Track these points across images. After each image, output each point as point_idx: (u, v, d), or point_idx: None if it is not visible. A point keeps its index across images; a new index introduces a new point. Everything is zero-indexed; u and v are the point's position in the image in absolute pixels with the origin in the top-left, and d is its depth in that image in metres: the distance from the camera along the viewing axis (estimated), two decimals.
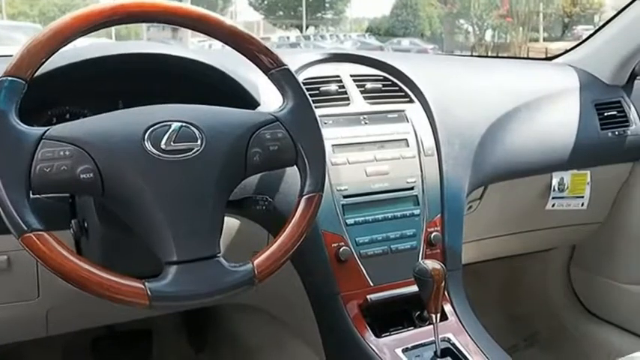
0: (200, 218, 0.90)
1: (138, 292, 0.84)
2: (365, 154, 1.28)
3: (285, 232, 0.98)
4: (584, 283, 2.01)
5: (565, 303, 2.05)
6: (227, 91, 1.16)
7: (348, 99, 1.35)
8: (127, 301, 0.84)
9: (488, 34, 23.35)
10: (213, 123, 0.95)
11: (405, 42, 21.79)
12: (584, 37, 1.90)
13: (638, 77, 1.79)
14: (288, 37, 26.13)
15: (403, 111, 1.38)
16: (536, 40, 21.53)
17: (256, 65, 1.02)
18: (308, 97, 1.04)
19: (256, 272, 0.93)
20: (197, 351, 1.84)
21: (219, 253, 0.91)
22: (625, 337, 1.85)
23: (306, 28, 28.11)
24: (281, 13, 29.92)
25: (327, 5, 29.37)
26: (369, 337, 1.17)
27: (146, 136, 0.89)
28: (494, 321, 2.02)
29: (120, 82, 1.11)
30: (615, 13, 1.77)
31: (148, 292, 0.84)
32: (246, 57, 1.02)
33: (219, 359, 1.80)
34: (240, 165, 0.95)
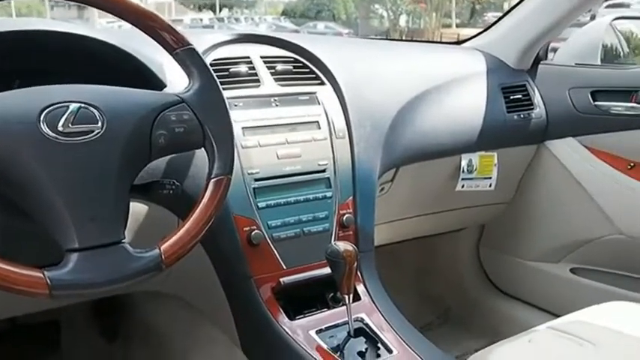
0: (102, 203, 0.87)
1: (37, 282, 0.81)
2: (276, 137, 1.27)
3: (192, 216, 0.96)
4: (493, 261, 2.08)
5: (475, 280, 2.12)
6: (132, 72, 1.12)
7: (258, 81, 1.33)
8: (26, 292, 0.81)
9: (402, 20, 23.69)
10: (115, 104, 0.91)
11: (321, 26, 21.81)
12: None
13: (542, 62, 1.86)
14: (201, 20, 25.61)
15: (314, 93, 1.37)
16: (449, 26, 21.98)
17: (160, 45, 0.99)
18: (215, 77, 1.01)
19: (163, 257, 0.91)
20: (109, 341, 1.79)
21: (123, 239, 0.88)
22: (530, 311, 1.93)
23: (220, 10, 27.67)
24: None
25: None
26: (283, 320, 1.17)
27: (42, 118, 0.84)
28: (409, 300, 2.07)
29: (17, 60, 1.05)
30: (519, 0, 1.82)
31: (48, 281, 0.81)
32: (150, 36, 0.98)
33: (132, 349, 1.76)
34: (144, 148, 0.93)
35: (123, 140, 0.90)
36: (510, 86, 1.76)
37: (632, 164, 1.67)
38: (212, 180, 0.98)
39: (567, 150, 1.75)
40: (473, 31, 1.96)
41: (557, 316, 1.31)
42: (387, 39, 4.01)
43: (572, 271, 1.84)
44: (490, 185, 1.73)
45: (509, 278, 2.03)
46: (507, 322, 1.96)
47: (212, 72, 1.01)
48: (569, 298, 1.69)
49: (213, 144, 0.98)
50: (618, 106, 1.67)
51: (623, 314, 1.35)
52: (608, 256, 1.75)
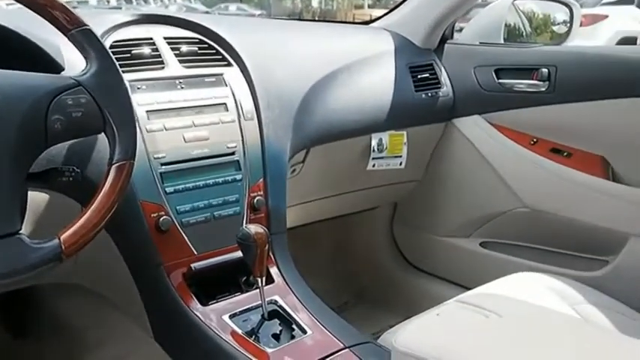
0: None
1: None
2: (182, 120, 1.25)
3: (93, 204, 0.93)
4: (406, 238, 2.12)
5: (389, 258, 2.15)
6: (26, 56, 1.08)
7: (162, 62, 1.30)
8: None
9: (315, 1, 23.69)
10: (6, 88, 0.87)
11: (233, 7, 21.51)
12: None
13: (448, 41, 1.89)
14: (108, 1, 24.78)
15: (221, 75, 1.35)
16: (361, 7, 22.15)
17: (54, 26, 0.95)
18: (113, 59, 0.98)
19: (63, 248, 0.88)
20: (15, 336, 1.72)
21: (20, 230, 0.85)
22: (443, 285, 1.97)
23: None
24: None
25: None
26: (195, 306, 1.16)
27: None
28: (324, 280, 2.08)
29: None
30: None
31: None
32: (42, 16, 0.94)
33: (43, 344, 1.70)
34: (39, 134, 0.89)
35: (15, 126, 0.86)
36: (418, 65, 1.78)
37: (534, 140, 1.72)
38: (114, 166, 0.95)
39: (474, 127, 1.80)
40: (384, 12, 1.98)
41: (469, 289, 1.35)
42: (298, 20, 3.99)
43: (481, 244, 1.89)
44: (400, 164, 1.75)
45: (423, 254, 2.07)
46: (422, 298, 2.00)
47: (110, 53, 0.98)
48: (479, 271, 1.73)
49: (114, 128, 0.95)
50: (521, 84, 1.72)
51: (529, 285, 1.41)
52: (515, 229, 1.81)
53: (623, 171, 1.63)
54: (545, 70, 1.66)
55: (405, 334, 0.90)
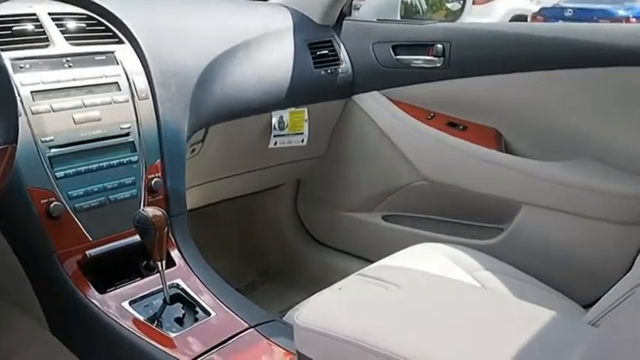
0: None
1: None
2: (71, 100, 1.19)
3: None
4: (311, 214, 2.13)
5: (295, 235, 2.15)
6: None
7: (47, 40, 1.23)
8: None
9: None
10: None
11: None
12: None
13: (346, 17, 1.90)
14: None
15: (112, 52, 1.30)
16: None
17: None
18: None
19: None
20: None
21: None
22: (349, 260, 1.99)
23: None
24: None
25: None
26: (92, 294, 1.12)
27: None
28: (231, 261, 2.07)
29: None
30: None
31: None
32: None
33: None
34: None
35: None
36: (317, 42, 1.78)
37: (431, 114, 1.76)
38: None
39: (373, 103, 1.82)
40: None
41: (374, 262, 1.37)
42: None
43: (384, 218, 1.92)
44: (302, 141, 1.75)
45: (328, 230, 2.09)
46: (328, 273, 2.00)
47: None
48: (382, 244, 1.76)
49: None
50: (417, 60, 1.75)
51: (429, 255, 1.45)
52: (415, 201, 1.85)
53: (515, 142, 1.69)
54: (440, 46, 1.69)
55: (306, 310, 0.91)
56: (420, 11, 2.03)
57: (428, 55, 1.72)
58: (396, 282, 0.95)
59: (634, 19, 8.73)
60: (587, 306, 1.33)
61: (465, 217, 1.78)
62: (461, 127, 1.74)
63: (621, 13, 8.76)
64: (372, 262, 1.39)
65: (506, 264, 1.47)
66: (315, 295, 1.02)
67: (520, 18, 9.33)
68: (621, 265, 1.43)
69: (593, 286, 1.39)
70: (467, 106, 1.72)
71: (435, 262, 1.40)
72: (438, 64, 1.71)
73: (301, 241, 2.15)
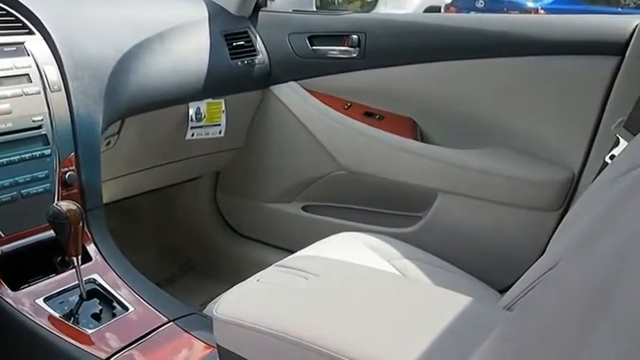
0: None
1: None
2: None
3: None
4: (230, 206, 2.12)
5: (215, 227, 2.14)
6: None
7: None
8: None
9: None
10: None
11: None
12: None
13: (262, 8, 1.90)
14: None
15: (22, 43, 1.26)
16: None
17: None
18: None
19: None
20: None
21: None
22: (269, 251, 2.00)
23: None
24: None
25: None
26: (5, 292, 1.09)
27: None
28: (150, 255, 2.04)
29: None
30: None
31: None
32: None
33: None
34: None
35: None
36: (233, 33, 1.77)
37: (348, 104, 1.79)
38: None
39: (290, 93, 1.83)
40: None
41: (295, 253, 1.38)
42: None
43: (303, 208, 1.94)
44: (220, 132, 1.75)
45: (248, 221, 2.09)
46: (249, 265, 1.98)
47: None
48: (302, 234, 1.77)
49: None
50: (333, 50, 1.77)
51: (348, 244, 1.46)
52: (335, 191, 1.87)
53: (430, 132, 1.74)
54: (355, 37, 1.72)
55: (225, 303, 0.91)
56: (336, 2, 2.07)
57: (343, 45, 1.75)
58: (315, 272, 0.96)
59: (542, 11, 9.07)
60: (503, 291, 1.38)
61: (384, 206, 1.81)
62: (377, 117, 1.78)
63: (530, 5, 9.09)
64: (293, 252, 1.40)
65: (424, 252, 1.51)
66: (235, 286, 1.02)
67: (434, 9, 9.51)
68: (534, 250, 1.47)
69: (508, 272, 1.44)
70: (383, 96, 1.75)
71: (354, 251, 1.42)
72: (354, 55, 1.73)
73: (221, 234, 2.14)
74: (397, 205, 1.79)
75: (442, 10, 9.36)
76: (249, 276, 1.01)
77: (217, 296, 1.22)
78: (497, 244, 1.60)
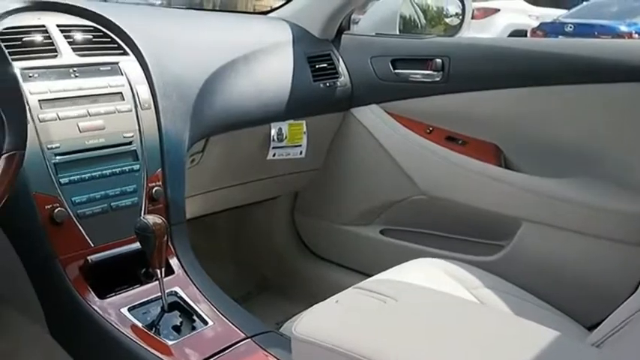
0: None
1: None
2: (77, 109, 1.21)
3: None
4: (308, 227, 2.13)
5: (291, 247, 2.16)
6: None
7: (55, 50, 1.26)
8: None
9: None
10: None
11: None
12: None
13: (345, 32, 1.92)
14: None
15: (116, 63, 1.32)
16: None
17: None
18: (2, 47, 0.95)
19: None
20: None
21: None
22: (345, 273, 2.00)
23: None
24: None
25: None
26: (93, 300, 1.13)
27: None
28: (226, 271, 2.07)
29: None
30: None
31: None
32: None
33: None
34: None
35: None
36: (316, 55, 1.80)
37: (430, 128, 1.78)
38: (3, 156, 0.93)
39: (371, 116, 1.83)
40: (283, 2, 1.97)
41: (371, 276, 1.37)
42: (197, 9, 3.93)
43: (382, 232, 1.92)
44: (301, 153, 1.77)
45: (325, 243, 2.09)
46: (324, 286, 1.99)
47: None
48: (379, 258, 1.76)
49: (2, 117, 0.93)
50: (416, 74, 1.77)
51: (427, 270, 1.44)
52: (413, 216, 1.85)
53: (515, 158, 1.70)
54: (439, 61, 1.71)
55: (304, 322, 0.91)
56: (419, 26, 2.06)
57: (427, 69, 1.74)
58: (394, 295, 0.95)
59: (636, 35, 8.70)
60: (591, 327, 1.33)
61: (463, 233, 1.78)
62: (460, 142, 1.75)
63: (623, 29, 8.69)
64: (368, 275, 1.40)
65: (506, 282, 1.47)
66: (313, 307, 1.03)
67: (519, 33, 9.35)
68: (626, 285, 1.42)
69: (596, 307, 1.38)
70: (466, 121, 1.73)
71: (433, 277, 1.40)
72: (437, 79, 1.72)
73: (298, 254, 2.15)
74: (478, 233, 1.75)
75: (528, 34, 9.18)
76: (325, 297, 1.02)
77: (293, 315, 1.23)
78: (585, 277, 1.53)
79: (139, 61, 1.35)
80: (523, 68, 1.63)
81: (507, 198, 1.63)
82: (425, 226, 1.85)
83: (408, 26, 1.98)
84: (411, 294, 1.01)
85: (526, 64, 1.63)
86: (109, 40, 1.36)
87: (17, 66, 0.98)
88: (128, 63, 1.34)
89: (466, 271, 1.45)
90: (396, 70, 1.79)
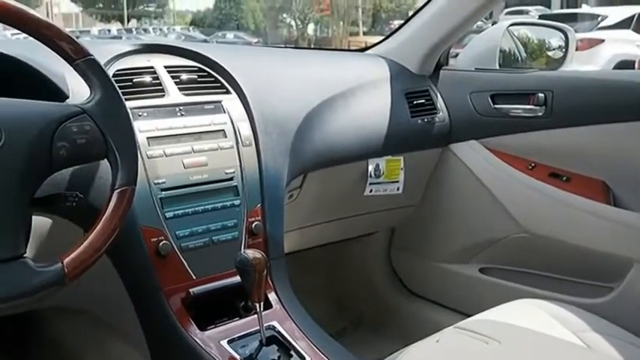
0: (1, 217, 0.86)
1: None
2: (182, 146, 1.26)
3: (96, 229, 0.95)
4: (404, 264, 2.11)
5: (387, 284, 2.14)
6: (32, 84, 1.10)
7: (163, 90, 1.31)
8: None
9: (310, 28, 23.92)
10: (14, 116, 0.90)
11: (230, 35, 21.77)
12: None
13: (443, 67, 1.90)
14: (109, 30, 25.10)
15: (220, 102, 1.36)
16: (357, 34, 22.38)
17: (60, 55, 0.98)
18: (116, 88, 1.00)
19: (66, 271, 0.90)
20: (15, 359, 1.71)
21: (24, 253, 0.88)
22: (442, 312, 1.96)
23: (128, 20, 27.12)
24: (101, 5, 28.58)
25: None
26: (194, 331, 1.16)
27: None
28: (321, 306, 2.07)
29: None
30: (420, 7, 1.86)
31: None
32: (48, 46, 0.97)
33: None
34: (44, 160, 0.92)
35: (22, 152, 0.89)
36: (413, 91, 1.79)
37: (532, 164, 1.73)
38: (116, 191, 0.97)
39: (471, 152, 1.80)
40: (379, 39, 1.99)
41: (468, 315, 1.34)
42: (294, 47, 4.04)
43: (481, 270, 1.88)
44: (398, 189, 1.76)
45: (422, 280, 2.06)
46: (420, 324, 1.98)
47: (113, 82, 1.00)
48: (479, 297, 1.72)
49: (116, 154, 0.98)
50: (517, 109, 1.73)
51: (530, 312, 1.39)
52: (515, 254, 1.80)
53: (625, 195, 1.62)
54: (541, 95, 1.67)
55: None
56: (520, 59, 2.02)
57: (528, 104, 1.70)
58: (496, 337, 0.93)
59: None
60: None
61: (569, 273, 1.71)
62: (564, 178, 1.69)
63: None
64: (466, 315, 1.36)
65: (615, 326, 1.39)
66: (412, 345, 1.01)
67: (626, 64, 8.99)
68: None
69: None
70: (571, 157, 1.68)
71: (536, 319, 1.35)
72: (539, 114, 1.68)
73: (393, 290, 2.13)
74: (584, 274, 1.68)
75: (636, 65, 8.79)
76: (421, 335, 1.00)
77: (389, 354, 1.21)
78: None
79: (240, 100, 1.39)
80: (631, 101, 1.56)
81: (617, 237, 1.55)
82: (526, 265, 1.79)
83: (508, 60, 1.94)
84: (515, 336, 0.98)
85: (634, 96, 1.56)
86: (213, 79, 1.41)
87: (128, 105, 1.03)
88: (230, 101, 1.38)
89: (571, 313, 1.38)
90: (496, 105, 1.76)
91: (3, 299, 0.86)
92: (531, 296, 1.51)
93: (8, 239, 0.87)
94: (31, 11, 0.95)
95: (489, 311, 1.35)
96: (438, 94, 1.85)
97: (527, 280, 1.76)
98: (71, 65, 0.98)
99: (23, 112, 0.92)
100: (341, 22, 22.29)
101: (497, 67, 1.87)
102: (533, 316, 1.36)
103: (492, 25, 2.50)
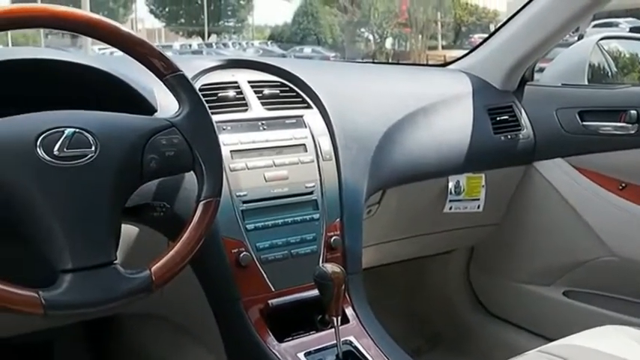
0: (95, 225, 0.90)
1: (32, 301, 0.83)
2: (264, 160, 1.28)
3: (182, 238, 0.98)
4: (483, 283, 2.06)
5: (465, 303, 2.10)
6: (123, 98, 1.14)
7: (246, 105, 1.34)
8: (20, 311, 0.84)
9: (388, 43, 23.90)
10: (108, 129, 0.94)
11: (307, 50, 22.00)
12: None
13: (528, 83, 1.86)
14: (190, 45, 25.87)
15: (301, 116, 1.38)
16: (435, 48, 22.23)
17: (150, 70, 1.01)
18: (204, 102, 1.03)
19: (154, 279, 0.93)
20: None
21: (115, 260, 0.91)
22: (522, 334, 1.91)
23: (209, 36, 27.86)
24: (182, 20, 29.50)
25: (229, 13, 29.21)
26: (271, 342, 1.17)
27: (38, 143, 0.88)
28: (397, 323, 2.04)
29: (12, 87, 1.06)
30: (504, 21, 1.83)
31: (42, 300, 0.84)
32: (141, 62, 1.01)
33: None
34: (135, 171, 0.95)
35: (115, 164, 0.93)
36: (497, 107, 1.76)
37: (623, 184, 1.66)
38: (201, 202, 1.01)
39: (556, 171, 1.75)
40: (459, 53, 1.97)
41: (550, 339, 1.29)
42: (373, 62, 4.04)
43: (565, 294, 1.82)
44: (478, 207, 1.72)
45: (501, 301, 2.01)
46: (498, 346, 1.93)
47: (201, 97, 1.03)
48: (562, 321, 1.67)
49: (203, 167, 1.01)
50: (607, 126, 1.67)
51: (617, 338, 1.33)
52: (602, 278, 1.74)
53: None
54: (633, 112, 1.61)
55: None
56: (610, 75, 1.95)
57: (619, 121, 1.64)
58: None
59: None
60: None
61: None
62: None
63: None
64: (548, 339, 1.31)
65: None
66: None
67: None
68: None
69: None
70: None
71: (623, 346, 1.28)
72: (631, 131, 1.61)
73: (472, 311, 2.09)
74: None
75: None
76: (499, 358, 0.96)
77: None
78: None
79: (321, 114, 1.40)
80: None
81: None
82: (614, 290, 1.72)
83: (597, 75, 1.88)
84: None
85: None
86: (295, 94, 1.42)
87: (214, 119, 1.06)
88: (311, 116, 1.39)
89: None
90: (584, 123, 1.70)
91: (94, 303, 0.89)
92: (618, 322, 1.44)
93: (101, 246, 0.90)
94: (125, 29, 0.99)
95: (574, 336, 1.30)
96: (523, 111, 1.80)
97: (614, 306, 1.70)
98: (161, 80, 1.02)
99: (116, 125, 0.96)
100: (420, 36, 22.17)
101: (586, 83, 1.81)
102: (620, 343, 1.30)
103: (578, 38, 2.43)
